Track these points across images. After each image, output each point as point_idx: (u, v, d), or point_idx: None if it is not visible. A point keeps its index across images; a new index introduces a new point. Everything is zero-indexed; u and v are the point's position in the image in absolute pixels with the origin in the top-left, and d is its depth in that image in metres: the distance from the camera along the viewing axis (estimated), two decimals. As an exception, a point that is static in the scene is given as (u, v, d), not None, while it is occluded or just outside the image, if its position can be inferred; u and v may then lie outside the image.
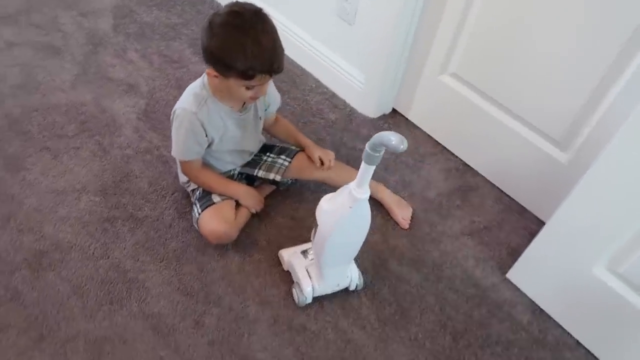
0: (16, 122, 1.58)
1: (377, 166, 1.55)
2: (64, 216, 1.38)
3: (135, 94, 1.71)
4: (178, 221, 1.40)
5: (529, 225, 1.50)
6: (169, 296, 1.27)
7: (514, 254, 1.40)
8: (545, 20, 1.26)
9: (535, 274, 1.33)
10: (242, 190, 1.33)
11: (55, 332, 1.19)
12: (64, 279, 1.27)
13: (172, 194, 1.45)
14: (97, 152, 1.53)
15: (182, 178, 1.39)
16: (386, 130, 1.67)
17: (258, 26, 1.06)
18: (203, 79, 1.21)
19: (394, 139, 0.82)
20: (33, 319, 1.20)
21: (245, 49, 1.05)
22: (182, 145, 1.23)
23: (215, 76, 1.13)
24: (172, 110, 1.22)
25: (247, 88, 1.12)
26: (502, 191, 1.58)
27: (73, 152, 1.53)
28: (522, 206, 1.55)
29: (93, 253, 1.32)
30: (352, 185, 0.98)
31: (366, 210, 1.02)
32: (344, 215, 1.01)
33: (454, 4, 1.40)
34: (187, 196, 1.43)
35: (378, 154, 0.89)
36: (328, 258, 1.15)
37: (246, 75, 1.08)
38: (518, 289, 1.37)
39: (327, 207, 1.06)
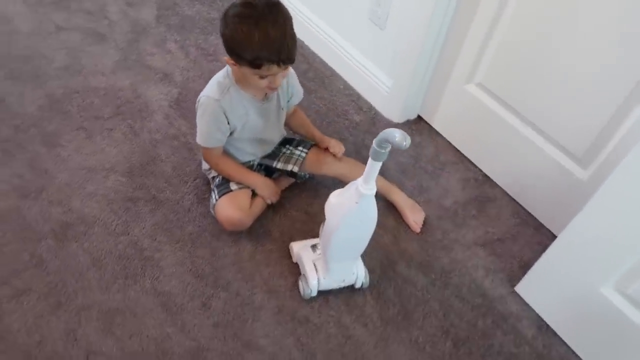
0: (58, 102, 1.68)
1: (395, 170, 1.59)
2: (92, 192, 1.46)
3: (170, 83, 1.78)
4: (197, 206, 1.45)
5: (544, 240, 1.48)
6: (181, 276, 1.32)
7: (526, 268, 1.38)
8: (573, 36, 1.25)
9: (543, 288, 1.32)
10: (259, 180, 1.38)
11: (72, 300, 1.26)
12: (85, 250, 1.34)
13: (194, 180, 1.51)
14: (128, 135, 1.61)
15: (205, 165, 1.44)
16: (409, 135, 1.70)
17: (268, 17, 1.09)
18: (227, 68, 1.26)
19: (397, 135, 0.85)
20: (53, 286, 1.27)
21: (252, 38, 1.09)
22: (205, 132, 1.28)
23: (234, 64, 1.18)
24: (197, 98, 1.28)
25: (261, 77, 1.16)
26: (519, 205, 1.57)
27: (106, 133, 1.61)
28: (538, 221, 1.53)
29: (114, 229, 1.39)
30: (359, 181, 1.01)
31: (372, 206, 1.05)
32: (350, 209, 1.04)
33: (483, 15, 1.41)
34: (207, 183, 1.48)
35: (384, 151, 0.91)
36: (334, 252, 1.18)
37: (254, 64, 1.12)
38: (526, 303, 1.36)
39: (335, 201, 1.08)
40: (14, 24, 1.91)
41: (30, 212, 1.40)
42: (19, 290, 1.25)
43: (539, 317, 1.33)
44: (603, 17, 1.18)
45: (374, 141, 0.91)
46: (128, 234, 1.38)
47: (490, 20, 1.40)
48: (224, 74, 1.26)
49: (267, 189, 1.38)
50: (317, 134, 1.48)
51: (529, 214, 1.55)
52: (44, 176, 1.48)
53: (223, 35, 1.15)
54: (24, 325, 1.21)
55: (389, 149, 0.91)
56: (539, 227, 1.53)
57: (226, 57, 1.18)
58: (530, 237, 1.50)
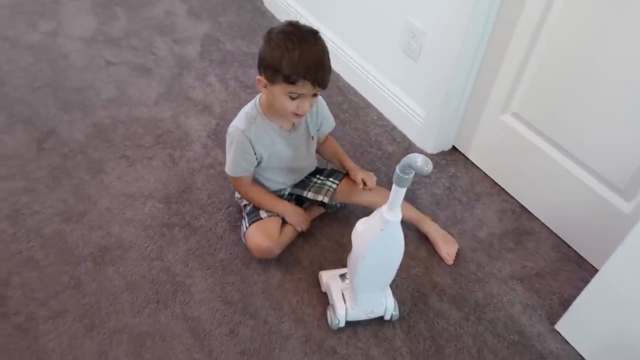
0: (104, 131, 1.76)
1: (428, 201, 1.57)
2: (130, 218, 1.51)
3: (209, 114, 1.84)
4: (229, 233, 1.47)
5: (587, 276, 1.40)
6: (210, 303, 1.33)
7: (567, 305, 1.31)
8: (611, 63, 1.22)
9: (585, 327, 1.25)
10: (288, 208, 1.39)
11: (105, 322, 1.29)
12: (120, 274, 1.38)
13: (227, 208, 1.54)
14: (167, 163, 1.66)
15: (237, 193, 1.47)
16: (444, 166, 1.68)
17: (310, 39, 1.15)
18: (255, 100, 1.30)
19: (419, 160, 0.84)
20: (88, 308, 1.31)
21: (292, 52, 1.12)
22: (231, 161, 1.31)
23: (264, 86, 1.21)
24: (227, 130, 1.32)
25: (291, 98, 1.18)
26: (560, 238, 1.51)
27: (147, 161, 1.67)
28: (580, 256, 1.47)
29: (149, 254, 1.42)
30: (383, 208, 1.00)
31: (398, 233, 1.03)
32: (376, 236, 1.03)
33: (518, 44, 1.39)
34: (240, 211, 1.50)
35: (407, 176, 0.91)
36: (361, 281, 1.16)
37: (289, 79, 1.14)
38: (566, 342, 1.29)
39: (361, 229, 1.08)
40: (69, 59, 2.04)
41: (72, 235, 1.45)
42: (56, 312, 1.30)
43: (581, 356, 1.26)
44: (642, 44, 1.14)
45: (397, 167, 0.91)
46: (162, 259, 1.41)
47: (525, 49, 1.38)
48: (252, 105, 1.30)
49: (297, 217, 1.38)
50: (349, 163, 1.47)
51: (570, 247, 1.49)
52: (87, 202, 1.54)
53: (262, 52, 1.18)
54: (58, 346, 1.24)
55: (412, 174, 0.91)
56: (580, 261, 1.46)
57: (258, 77, 1.21)
58: (572, 272, 1.44)
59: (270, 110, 1.27)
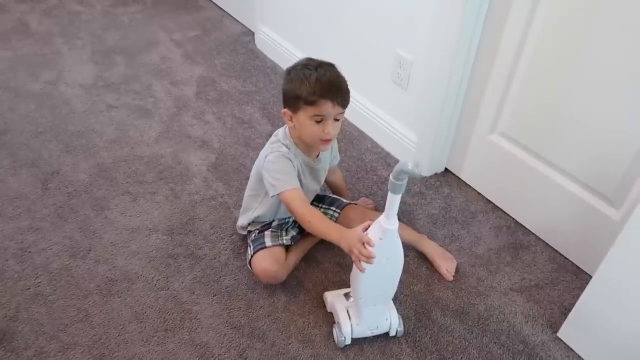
0: (106, 170, 1.81)
1: (425, 221, 1.61)
2: (135, 251, 1.54)
3: (208, 149, 1.90)
4: (233, 260, 1.50)
5: (584, 285, 1.42)
6: (218, 328, 1.34)
7: (567, 313, 1.34)
8: (589, 78, 1.30)
9: (586, 332, 1.27)
10: (349, 234, 1.15)
11: (114, 352, 1.29)
12: (127, 305, 1.39)
13: (230, 236, 1.57)
14: (169, 197, 1.71)
15: (239, 222, 1.51)
16: (438, 187, 1.73)
17: (326, 67, 1.24)
18: (285, 132, 1.34)
19: (410, 164, 0.91)
20: (97, 339, 1.32)
21: (310, 77, 1.20)
22: (280, 179, 1.27)
23: (290, 119, 1.27)
24: (262, 162, 1.32)
25: (316, 122, 1.23)
26: (555, 250, 1.55)
27: (149, 196, 1.71)
28: (576, 265, 1.51)
29: (155, 284, 1.45)
30: (381, 217, 1.05)
31: (397, 241, 1.08)
32: (376, 246, 1.07)
33: (500, 67, 1.48)
34: (243, 238, 1.54)
35: (401, 182, 0.96)
36: (364, 293, 1.19)
37: (309, 100, 1.20)
38: (570, 349, 1.31)
39: (362, 242, 1.12)
40: (70, 105, 2.11)
41: (78, 270, 1.48)
42: (65, 345, 1.30)
43: (585, 362, 1.28)
44: (619, 57, 1.22)
45: (390, 175, 0.97)
46: (168, 289, 1.44)
47: (507, 71, 1.47)
48: (283, 135, 1.34)
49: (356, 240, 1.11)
50: (347, 198, 1.57)
51: (566, 258, 1.53)
52: (92, 237, 1.57)
53: (284, 86, 1.26)
54: (68, 378, 1.25)
55: (405, 180, 0.96)
56: (577, 271, 1.50)
57: (283, 110, 1.28)
58: (569, 282, 1.47)
59: (299, 142, 1.33)
